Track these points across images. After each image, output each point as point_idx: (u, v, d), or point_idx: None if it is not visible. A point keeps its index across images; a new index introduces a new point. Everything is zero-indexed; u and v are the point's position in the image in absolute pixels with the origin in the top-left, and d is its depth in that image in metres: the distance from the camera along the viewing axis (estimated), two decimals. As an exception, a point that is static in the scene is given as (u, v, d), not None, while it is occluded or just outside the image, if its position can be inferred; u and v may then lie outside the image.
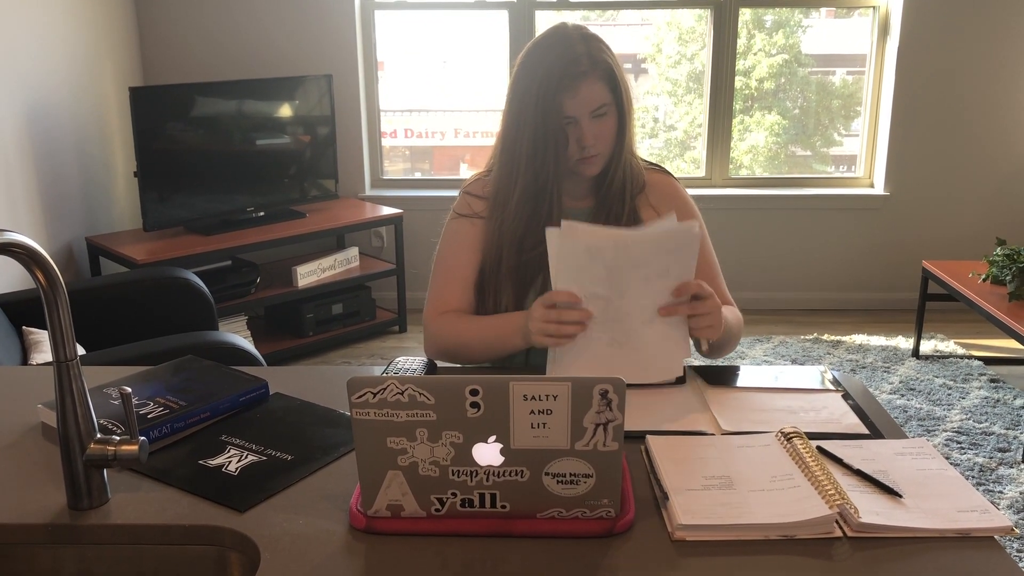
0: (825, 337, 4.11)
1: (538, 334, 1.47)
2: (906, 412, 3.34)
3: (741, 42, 4.40)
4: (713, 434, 1.34)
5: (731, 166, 4.52)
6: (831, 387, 1.52)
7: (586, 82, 1.58)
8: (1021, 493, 2.76)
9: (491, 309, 1.73)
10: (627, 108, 1.66)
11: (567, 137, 1.62)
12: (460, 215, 1.76)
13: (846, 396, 1.48)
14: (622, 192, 1.71)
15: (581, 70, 1.58)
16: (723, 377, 1.56)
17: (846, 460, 1.23)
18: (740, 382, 1.54)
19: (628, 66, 4.81)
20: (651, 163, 1.81)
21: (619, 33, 4.94)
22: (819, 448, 1.26)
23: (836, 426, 1.37)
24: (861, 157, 4.53)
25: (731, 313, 1.68)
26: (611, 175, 1.69)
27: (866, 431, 1.36)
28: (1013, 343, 3.81)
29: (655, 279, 1.43)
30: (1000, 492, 2.77)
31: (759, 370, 1.65)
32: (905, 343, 4.02)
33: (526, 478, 1.07)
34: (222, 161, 3.84)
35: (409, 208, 4.17)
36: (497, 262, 1.71)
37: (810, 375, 1.58)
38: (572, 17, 4.43)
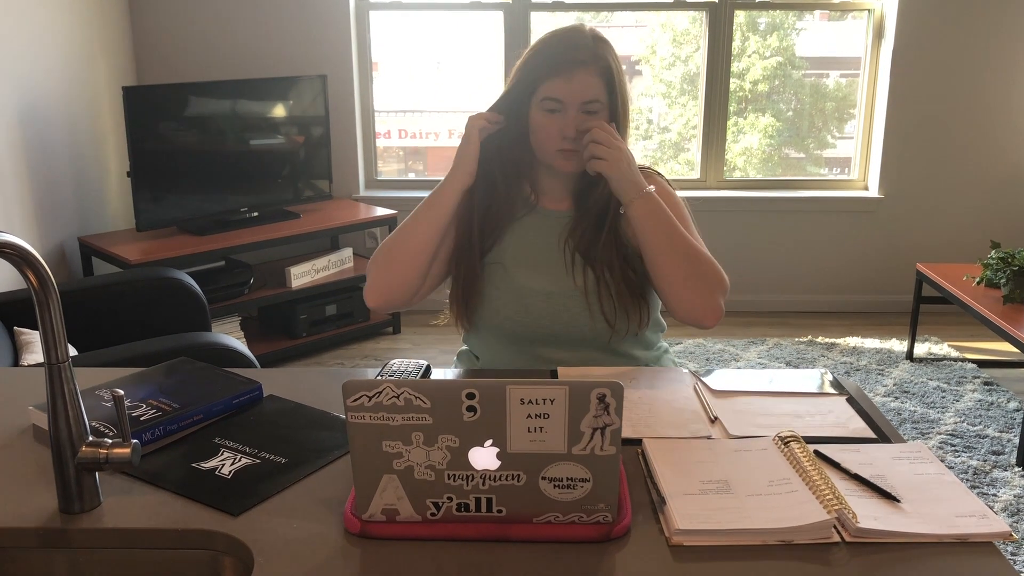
0: (819, 340, 4.12)
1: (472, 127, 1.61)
2: (900, 415, 3.34)
3: (735, 44, 4.40)
4: (710, 437, 1.34)
5: (725, 168, 4.52)
6: (832, 390, 1.52)
7: (583, 71, 1.59)
8: (1015, 496, 2.76)
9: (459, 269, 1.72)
10: (621, 114, 1.65)
11: (548, 119, 1.62)
12: None
13: (851, 400, 1.48)
14: (607, 202, 1.69)
15: (581, 58, 1.59)
16: (726, 382, 1.56)
17: (843, 464, 1.22)
18: (743, 387, 1.53)
19: (623, 67, 4.81)
20: (643, 166, 1.79)
21: (613, 35, 4.92)
22: (816, 452, 1.26)
23: (843, 430, 1.36)
24: (855, 160, 4.54)
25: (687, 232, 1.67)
26: (599, 183, 1.67)
27: (873, 435, 1.35)
28: (1007, 346, 3.82)
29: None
30: (994, 495, 2.77)
31: (760, 374, 1.64)
32: (899, 346, 4.02)
33: (523, 482, 1.06)
34: (216, 161, 3.83)
35: (403, 209, 4.12)
36: (470, 209, 1.70)
37: (811, 378, 1.58)
38: (567, 18, 4.42)
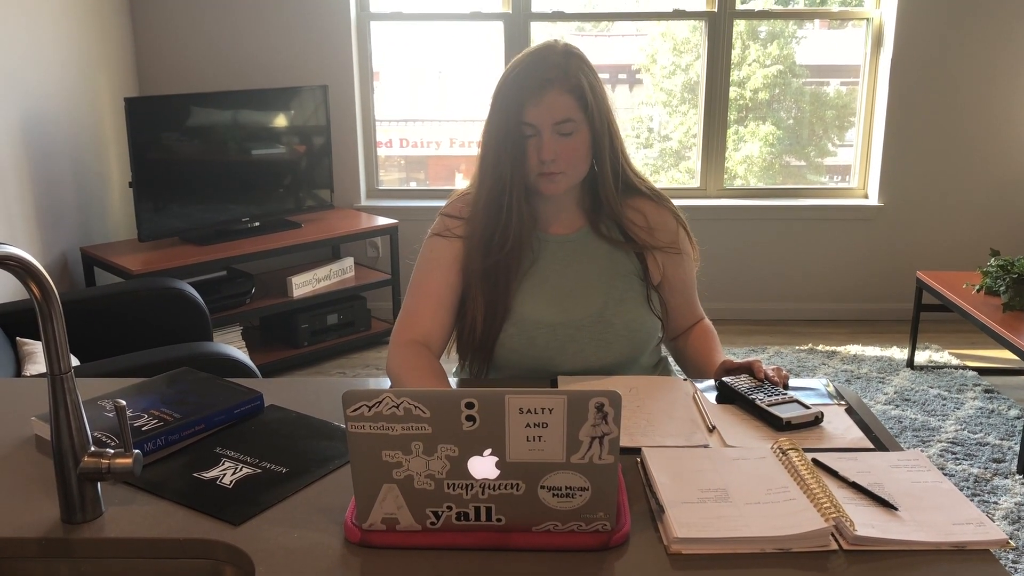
0: (820, 348, 4.12)
1: None
2: (901, 423, 3.34)
3: (736, 53, 4.41)
4: (708, 446, 1.34)
5: (725, 176, 4.53)
6: (830, 400, 1.52)
7: (552, 91, 1.54)
8: (1016, 504, 2.76)
9: (468, 325, 1.68)
10: (600, 129, 1.59)
11: (526, 145, 1.57)
12: (435, 234, 1.71)
13: (850, 410, 1.48)
14: (609, 222, 1.69)
15: (548, 77, 1.54)
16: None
17: (841, 473, 1.23)
18: None
19: (623, 76, 4.82)
20: (652, 189, 1.74)
21: (614, 44, 4.95)
22: (814, 461, 1.26)
23: (840, 441, 1.37)
24: (855, 167, 4.54)
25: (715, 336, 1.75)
26: (600, 204, 1.66)
27: (871, 445, 1.35)
28: (1007, 354, 3.82)
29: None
30: (995, 503, 2.77)
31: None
32: (900, 354, 4.02)
33: (522, 491, 1.07)
34: (217, 171, 3.84)
35: (404, 218, 4.17)
36: (470, 271, 1.66)
37: (810, 387, 1.58)
38: (567, 28, 4.44)
